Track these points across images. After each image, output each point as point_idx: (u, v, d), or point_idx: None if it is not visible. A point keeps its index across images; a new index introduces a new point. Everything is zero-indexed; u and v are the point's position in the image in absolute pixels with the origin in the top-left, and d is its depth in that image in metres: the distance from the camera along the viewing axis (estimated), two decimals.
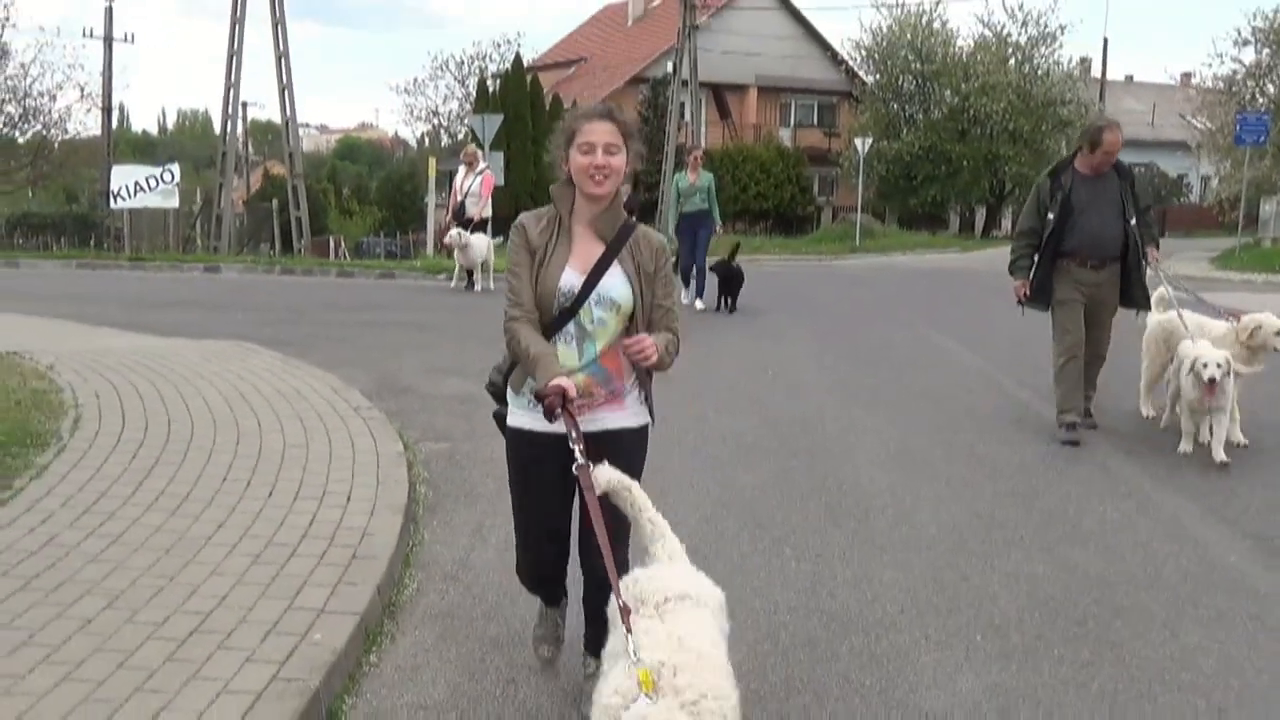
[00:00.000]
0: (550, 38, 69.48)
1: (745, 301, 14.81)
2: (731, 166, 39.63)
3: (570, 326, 3.45)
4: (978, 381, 9.85)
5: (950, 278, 22.55)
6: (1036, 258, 7.54)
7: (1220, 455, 6.76)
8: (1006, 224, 44.69)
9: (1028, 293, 7.57)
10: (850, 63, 43.83)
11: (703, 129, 38.61)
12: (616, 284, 3.44)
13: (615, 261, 3.44)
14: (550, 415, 3.28)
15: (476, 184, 17.22)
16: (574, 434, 3.22)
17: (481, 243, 17.19)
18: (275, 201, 32.46)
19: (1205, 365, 6.73)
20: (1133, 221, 7.35)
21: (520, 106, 34.40)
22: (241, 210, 35.20)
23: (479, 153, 18.91)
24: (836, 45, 45.50)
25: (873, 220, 38.47)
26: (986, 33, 40.95)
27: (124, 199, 24.81)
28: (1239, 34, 33.99)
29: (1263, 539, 5.53)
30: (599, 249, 3.45)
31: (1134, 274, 7.46)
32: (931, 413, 8.44)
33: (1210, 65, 44.84)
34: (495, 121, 23.66)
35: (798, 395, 9.13)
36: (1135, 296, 7.56)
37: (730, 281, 14.65)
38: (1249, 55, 34.26)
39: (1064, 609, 4.62)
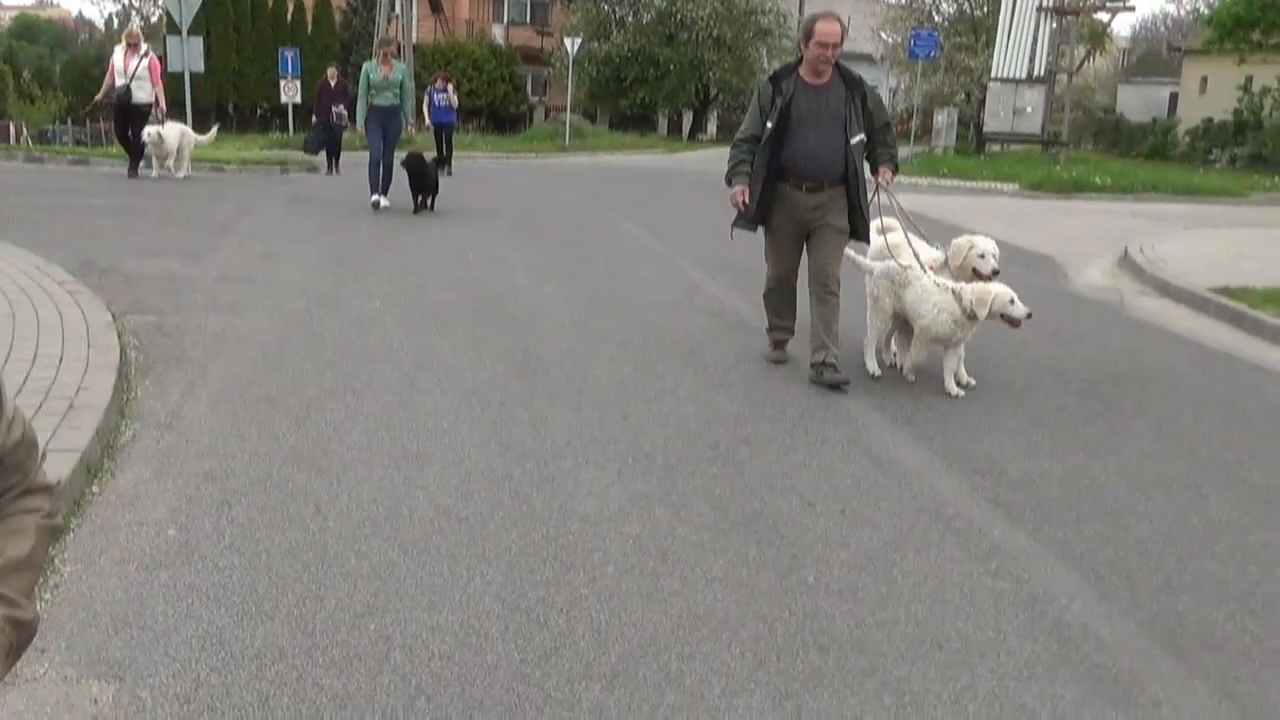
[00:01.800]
0: None
1: (454, 192, 15.32)
2: (444, 63, 39.46)
3: None
4: (658, 264, 10.89)
5: (651, 176, 23.69)
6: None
7: (954, 387, 6.56)
8: (712, 128, 46.70)
9: (748, 199, 6.61)
10: None
11: (414, 23, 38.21)
12: None
13: None
14: None
15: (143, 66, 16.46)
16: None
17: (172, 133, 17.02)
18: None
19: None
20: (856, 139, 6.45)
21: None
22: None
23: (140, 34, 17.97)
24: None
25: (584, 121, 39.39)
26: None
27: None
28: None
29: (873, 388, 6.69)
30: None
31: (855, 200, 6.62)
32: (613, 290, 9.37)
33: None
34: (194, 5, 22.77)
35: (495, 275, 9.87)
36: (855, 226, 6.70)
37: (422, 177, 13.98)
38: None
39: (702, 438, 5.58)
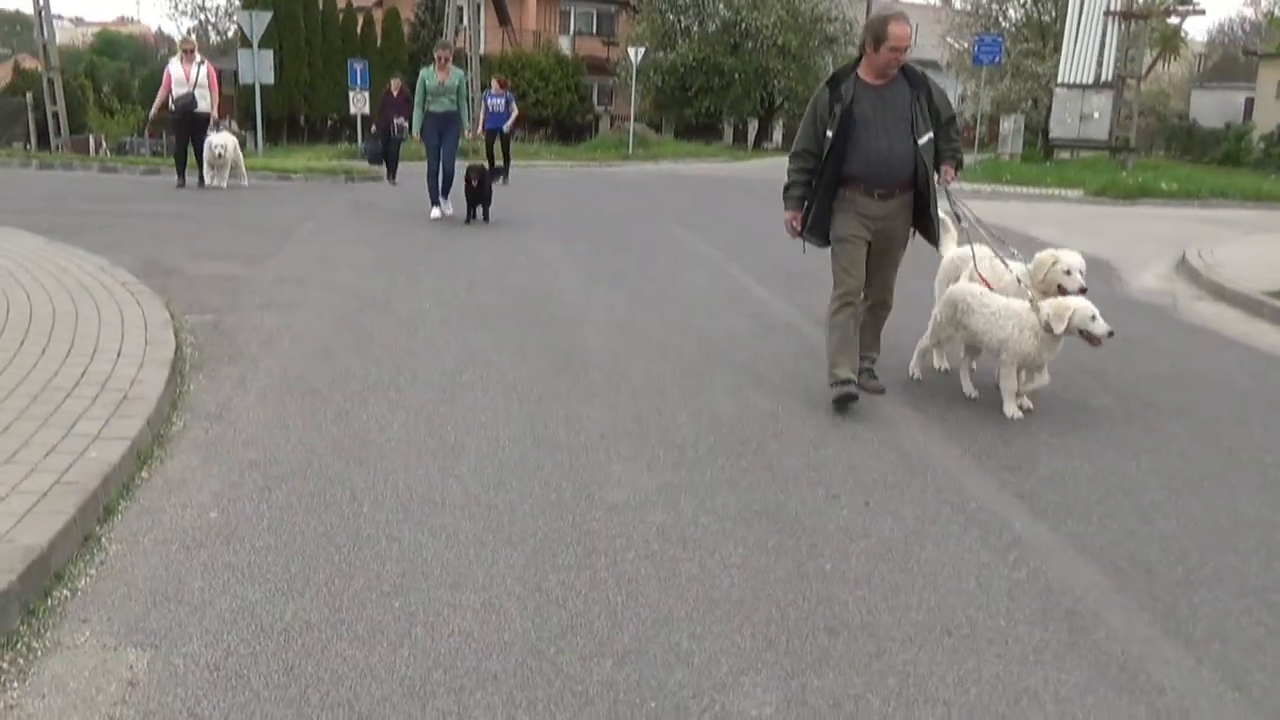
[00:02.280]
0: None
1: (512, 200, 15.55)
2: (511, 73, 39.90)
3: None
4: (706, 267, 11.02)
5: (710, 183, 23.79)
6: (814, 183, 6.16)
7: (1014, 409, 6.20)
8: (778, 136, 46.71)
9: (800, 227, 6.23)
10: None
11: (482, 34, 38.72)
12: None
13: None
14: None
15: (203, 74, 16.39)
16: None
17: (230, 143, 17.29)
18: (30, 95, 31.03)
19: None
20: (925, 139, 5.97)
21: (292, 4, 33.70)
22: None
23: (195, 42, 18.43)
24: None
25: (648, 130, 39.59)
26: None
27: None
28: None
29: (910, 387, 6.73)
30: None
31: (927, 203, 6.14)
32: (658, 292, 9.51)
33: None
34: (264, 19, 23.41)
35: (543, 277, 10.04)
36: (928, 229, 6.28)
37: (480, 189, 13.68)
38: None
39: (735, 432, 5.68)
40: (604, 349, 7.36)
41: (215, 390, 6.01)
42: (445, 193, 14.10)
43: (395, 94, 20.86)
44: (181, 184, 16.90)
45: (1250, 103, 43.98)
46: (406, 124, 19.80)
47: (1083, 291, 6.15)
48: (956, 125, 6.30)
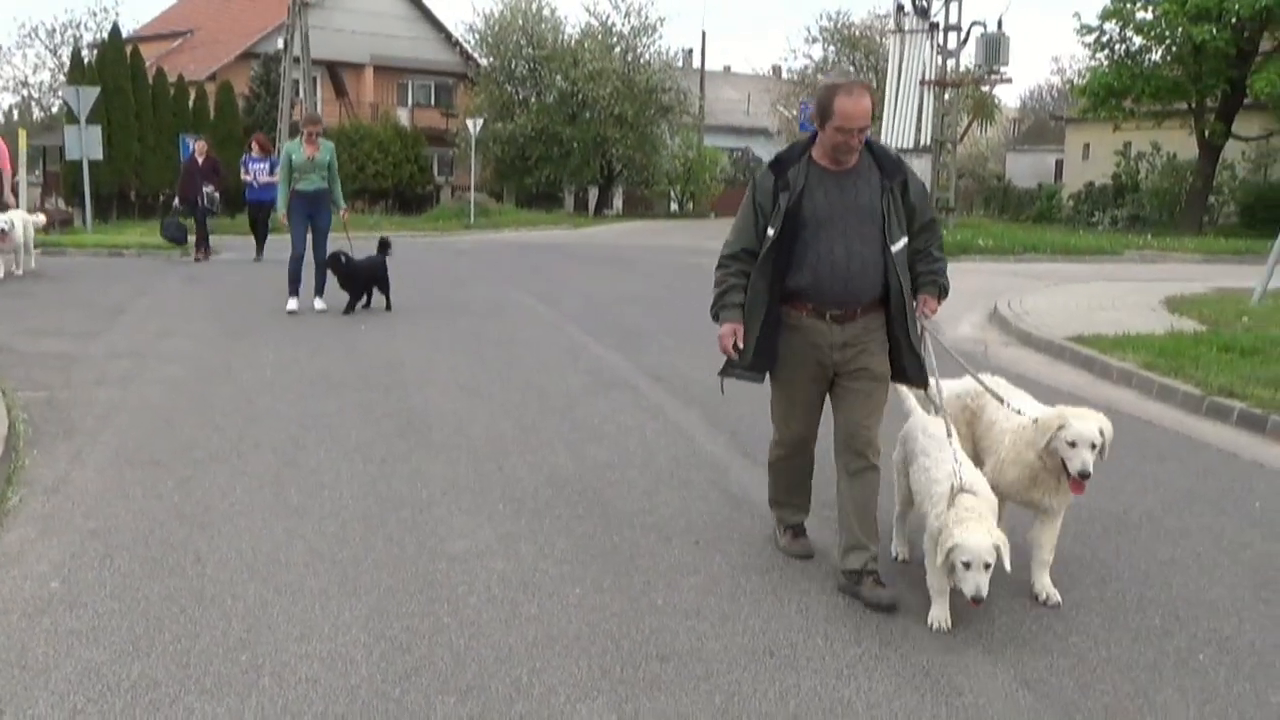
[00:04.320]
0: (152, 7, 66.30)
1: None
2: (349, 145, 39.74)
3: None
4: (546, 329, 11.33)
5: (550, 250, 24.14)
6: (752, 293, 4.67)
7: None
8: (618, 203, 47.47)
9: (739, 344, 4.66)
10: (465, 45, 44.99)
11: (319, 108, 38.55)
12: None
13: None
14: None
15: None
16: None
17: (18, 221, 15.04)
18: None
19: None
20: (899, 245, 4.55)
21: (120, 79, 33.01)
22: None
23: None
24: (451, 28, 46.64)
25: (489, 199, 39.86)
26: (593, 21, 43.19)
27: None
28: (809, 33, 38.00)
29: (738, 434, 7.08)
30: None
31: (902, 330, 4.64)
32: (499, 355, 9.74)
33: (786, 60, 49.44)
34: (91, 94, 22.95)
35: (386, 343, 10.19)
36: (903, 366, 4.70)
37: (350, 275, 12.02)
38: (818, 51, 38.30)
39: (571, 484, 5.92)
40: (446, 409, 7.53)
41: (51, 464, 5.99)
42: (320, 288, 12.21)
43: (201, 159, 18.95)
44: None
45: (1060, 164, 46.66)
46: (215, 194, 18.64)
47: (1084, 478, 4.40)
48: (939, 230, 4.81)
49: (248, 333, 10.66)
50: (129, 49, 35.32)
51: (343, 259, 11.88)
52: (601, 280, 16.89)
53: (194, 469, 5.99)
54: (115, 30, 38.13)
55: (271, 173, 18.08)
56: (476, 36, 43.42)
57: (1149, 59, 29.39)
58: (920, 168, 29.81)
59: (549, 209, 42.51)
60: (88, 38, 45.96)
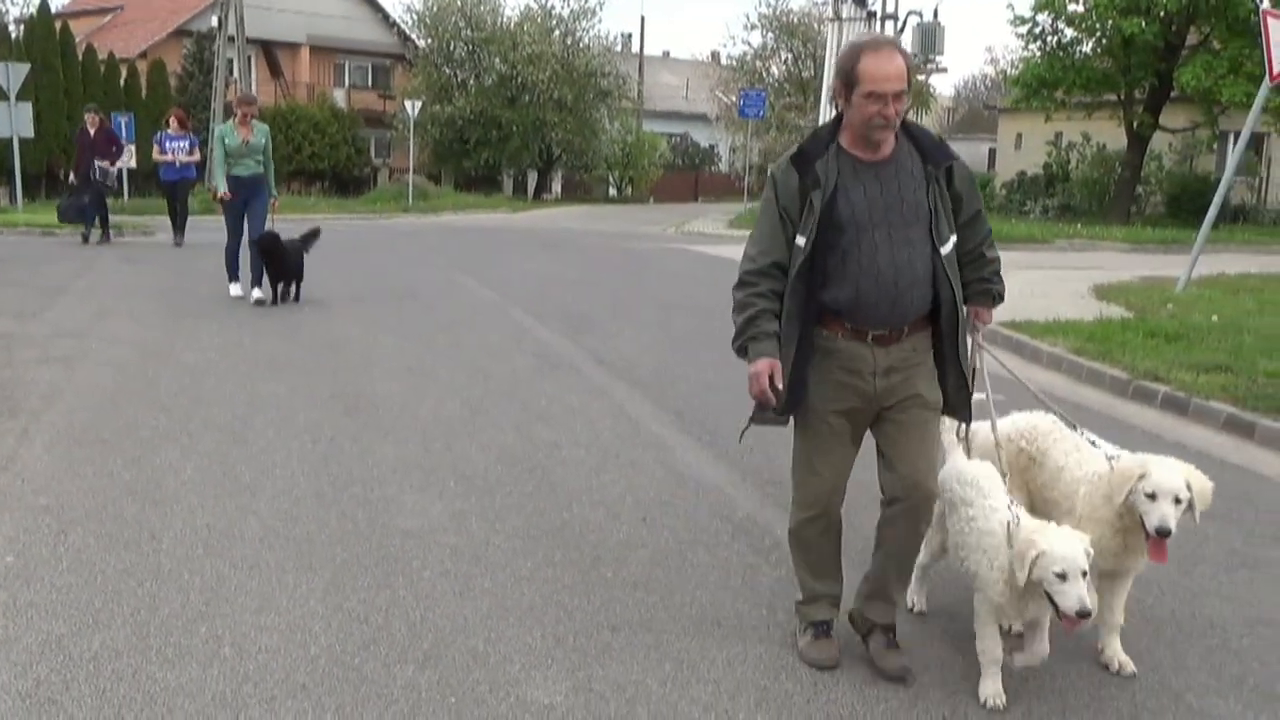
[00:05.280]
0: None
1: None
2: (285, 126, 39.32)
3: None
4: (490, 312, 11.41)
5: (490, 234, 24.16)
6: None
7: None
8: (556, 187, 47.49)
9: (782, 383, 3.70)
10: (403, 26, 44.67)
11: (253, 87, 38.08)
12: None
13: None
14: None
15: None
16: None
17: None
18: None
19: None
20: (948, 247, 3.75)
21: (49, 56, 32.37)
22: None
23: None
24: (389, 8, 46.32)
25: (428, 182, 39.66)
26: (532, 4, 43.14)
27: None
28: (748, 19, 38.26)
29: (684, 414, 7.23)
30: None
31: (952, 349, 3.84)
32: (444, 337, 9.82)
33: (725, 46, 49.68)
34: (21, 71, 22.48)
35: (329, 325, 10.22)
36: (948, 394, 3.89)
37: (280, 260, 11.34)
38: (756, 38, 38.53)
39: (520, 462, 6.03)
40: (393, 391, 7.60)
41: None
42: (258, 278, 11.57)
43: (93, 132, 17.51)
44: None
45: (993, 153, 47.37)
46: (110, 168, 17.57)
47: (1165, 535, 3.65)
48: (988, 225, 3.96)
49: (189, 314, 10.62)
50: (58, 25, 34.66)
51: (282, 241, 11.29)
52: (543, 263, 16.96)
53: (143, 448, 6.02)
54: (44, 5, 37.27)
55: (190, 151, 17.84)
56: (414, 17, 43.22)
57: (1080, 51, 29.89)
58: None
59: (488, 192, 42.43)
60: (14, 13, 44.77)
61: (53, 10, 37.88)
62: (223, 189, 11.34)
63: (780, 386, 3.70)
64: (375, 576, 4.44)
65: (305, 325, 10.19)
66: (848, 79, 3.62)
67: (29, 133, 22.36)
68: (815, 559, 3.98)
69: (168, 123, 18.12)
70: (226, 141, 11.38)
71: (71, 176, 18.17)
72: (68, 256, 15.93)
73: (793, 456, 3.96)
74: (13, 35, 35.58)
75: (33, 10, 38.22)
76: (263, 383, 7.70)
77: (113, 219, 18.71)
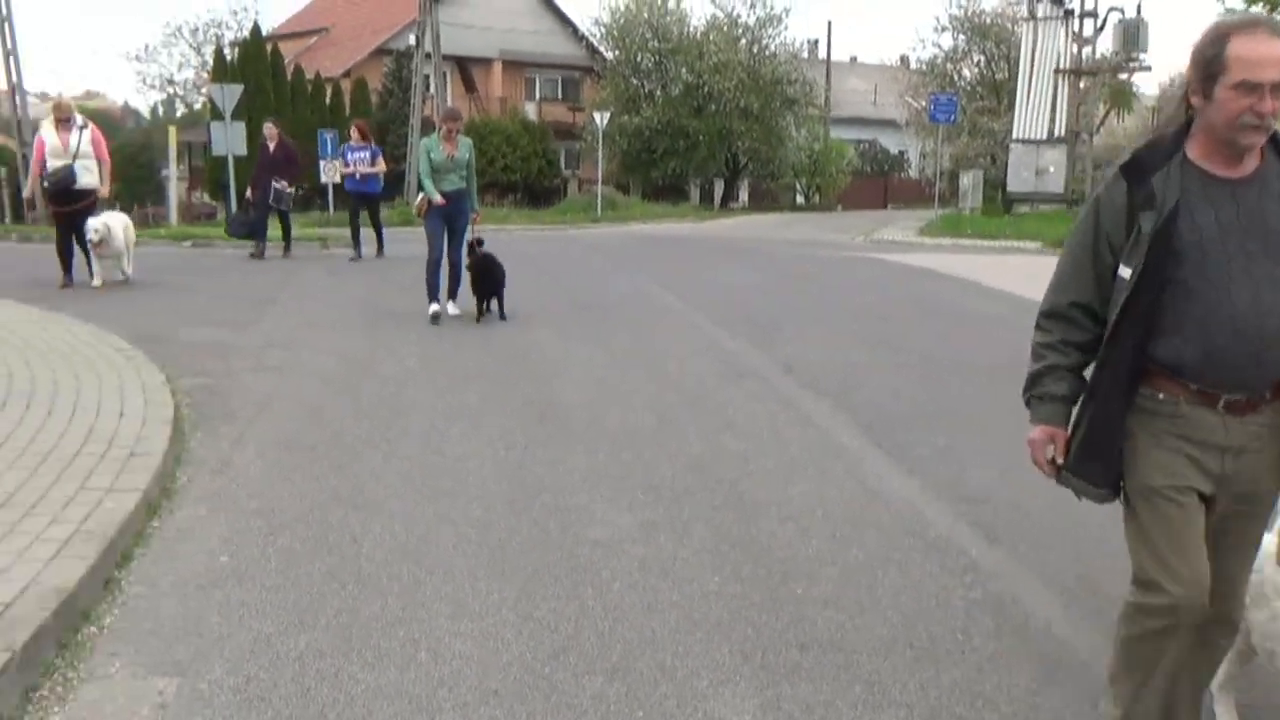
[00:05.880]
0: (289, 6, 68.39)
1: None
2: (479, 139, 40.34)
3: None
4: (677, 320, 11.49)
5: (678, 243, 24.32)
6: (1090, 372, 3.14)
7: None
8: (743, 195, 47.48)
9: (1062, 456, 3.15)
10: (591, 39, 45.44)
11: (448, 102, 39.30)
12: None
13: None
14: None
15: (84, 142, 12.70)
16: None
17: (117, 225, 13.29)
18: (4, 170, 31.39)
19: None
20: None
21: (261, 77, 34.21)
22: None
23: (72, 105, 14.00)
24: (577, 21, 47.21)
25: (616, 192, 40.18)
26: (718, 13, 43.32)
27: None
28: (938, 21, 37.44)
29: (873, 426, 7.10)
30: None
31: None
32: (632, 345, 9.94)
33: (915, 50, 48.78)
34: (235, 91, 23.83)
35: (521, 334, 10.46)
36: None
37: (489, 278, 11.27)
38: (947, 40, 37.71)
39: (710, 472, 6.03)
40: (582, 399, 7.72)
41: (215, 447, 6.31)
42: (454, 291, 11.54)
43: (272, 147, 17.02)
44: (68, 283, 13.03)
45: None
46: (287, 189, 17.17)
47: None
48: None
49: (388, 326, 10.99)
50: (269, 47, 36.55)
51: (494, 260, 11.24)
52: (730, 272, 16.96)
53: (347, 455, 6.25)
54: (256, 29, 39.51)
55: (373, 162, 17.39)
56: (602, 30, 43.92)
57: None
58: (1055, 159, 29.20)
59: (675, 202, 42.66)
60: (229, 36, 47.62)
61: (264, 33, 40.03)
62: (436, 197, 11.03)
63: (1060, 460, 3.14)
64: (565, 586, 4.49)
65: (497, 335, 10.44)
66: (1209, 68, 2.86)
67: (243, 150, 23.62)
68: (1168, 685, 3.13)
69: (349, 135, 18.15)
70: (432, 156, 11.19)
71: (249, 193, 17.89)
72: (270, 269, 16.71)
73: (1129, 547, 3.13)
74: (228, 58, 37.71)
75: (245, 34, 40.52)
76: (458, 392, 7.92)
77: (319, 231, 19.55)
